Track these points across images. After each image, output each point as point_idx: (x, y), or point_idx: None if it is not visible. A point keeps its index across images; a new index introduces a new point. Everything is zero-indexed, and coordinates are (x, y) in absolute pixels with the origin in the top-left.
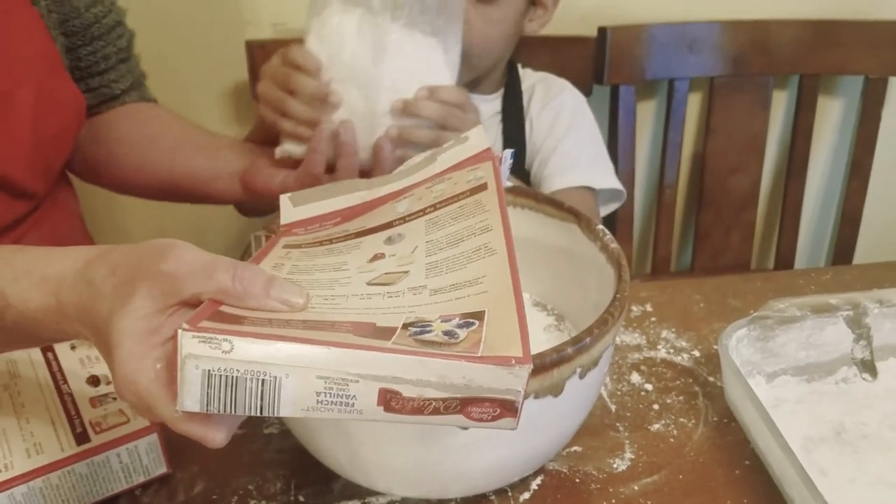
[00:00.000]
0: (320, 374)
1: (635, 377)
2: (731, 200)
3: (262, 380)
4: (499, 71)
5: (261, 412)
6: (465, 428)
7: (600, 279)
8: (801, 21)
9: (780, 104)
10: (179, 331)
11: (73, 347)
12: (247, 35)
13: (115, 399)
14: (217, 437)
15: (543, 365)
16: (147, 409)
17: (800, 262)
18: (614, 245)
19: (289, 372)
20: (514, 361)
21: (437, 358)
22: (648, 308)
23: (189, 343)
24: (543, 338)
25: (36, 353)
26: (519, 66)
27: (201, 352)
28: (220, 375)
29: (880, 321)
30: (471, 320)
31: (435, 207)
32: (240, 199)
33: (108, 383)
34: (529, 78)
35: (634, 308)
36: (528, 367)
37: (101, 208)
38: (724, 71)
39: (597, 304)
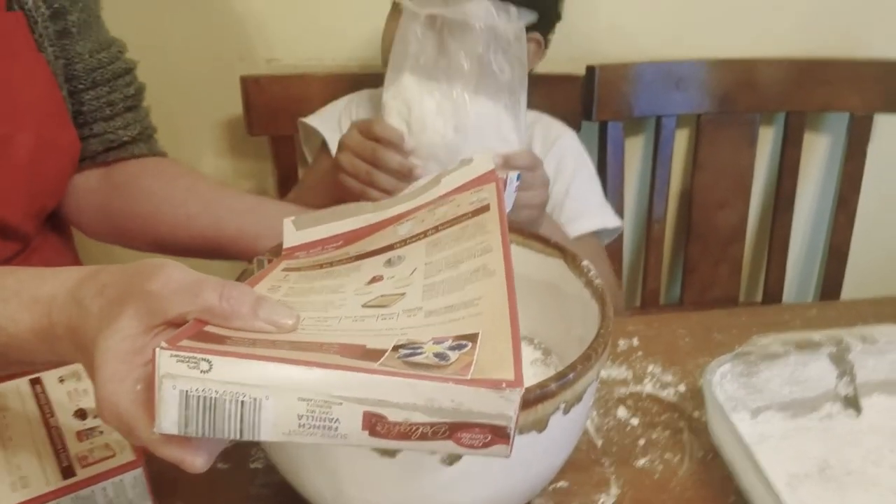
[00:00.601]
0: (302, 396)
1: (621, 411)
2: (719, 235)
3: (242, 401)
4: None
5: (240, 436)
6: (452, 461)
7: (585, 314)
8: (787, 60)
9: (767, 140)
10: (157, 349)
11: (61, 380)
12: (241, 71)
13: (101, 433)
14: (196, 461)
15: (527, 400)
16: (127, 431)
17: (788, 295)
18: (598, 281)
19: (269, 393)
20: (504, 385)
21: (426, 380)
22: (635, 342)
23: (167, 362)
24: (530, 372)
25: (24, 385)
26: None
27: (179, 371)
28: (198, 396)
29: (863, 358)
30: (463, 342)
31: (437, 229)
32: None
33: (94, 417)
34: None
35: (621, 342)
36: (520, 391)
37: (95, 244)
38: (710, 108)
39: (582, 338)
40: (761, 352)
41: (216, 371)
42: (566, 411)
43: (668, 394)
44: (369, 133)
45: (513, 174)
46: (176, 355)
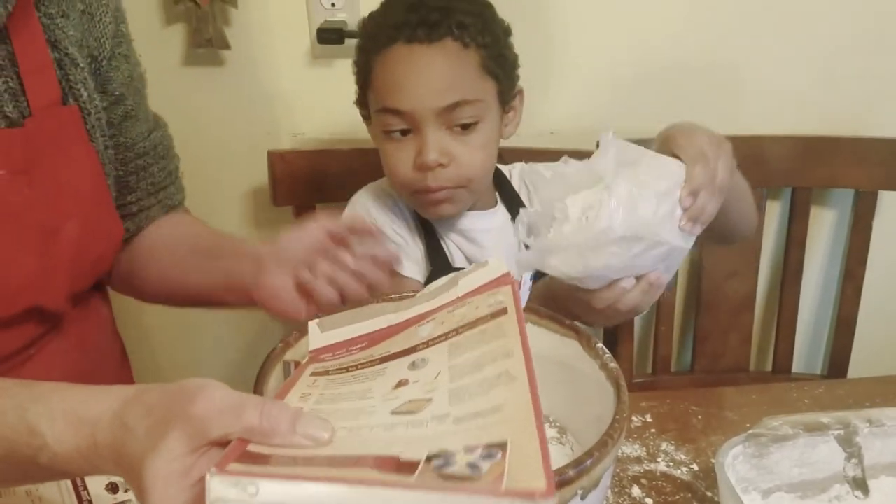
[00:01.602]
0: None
1: (636, 491)
2: (728, 304)
3: None
4: (490, 181)
5: None
6: None
7: (601, 394)
8: (793, 137)
9: (774, 214)
10: (208, 475)
11: None
12: (268, 145)
13: None
14: None
15: None
16: None
17: (797, 365)
18: (613, 364)
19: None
20: (537, 496)
21: (462, 493)
22: (648, 419)
23: (217, 487)
24: None
25: None
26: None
27: (229, 496)
28: None
29: (870, 440)
30: (493, 451)
31: (457, 332)
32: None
33: (126, 490)
34: (507, 171)
35: (635, 418)
36: (553, 501)
37: (132, 307)
38: None
39: (599, 416)
40: (772, 434)
41: (263, 494)
42: (583, 497)
43: (681, 472)
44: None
45: (525, 276)
46: (225, 480)
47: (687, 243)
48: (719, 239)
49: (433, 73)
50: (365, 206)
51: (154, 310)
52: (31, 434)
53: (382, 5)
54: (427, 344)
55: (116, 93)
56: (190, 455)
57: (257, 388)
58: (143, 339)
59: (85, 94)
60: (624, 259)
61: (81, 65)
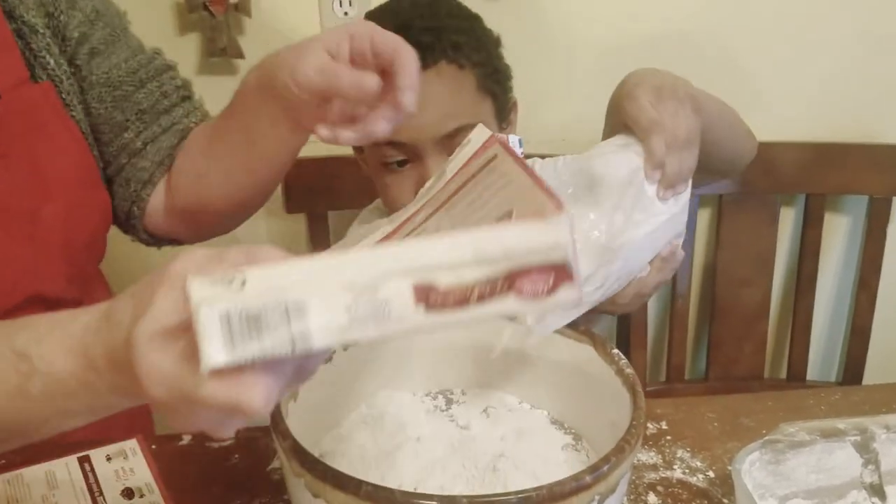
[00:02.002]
0: (344, 284)
1: (652, 498)
2: (742, 312)
3: (286, 307)
4: None
5: (293, 347)
6: (520, 320)
7: (616, 400)
8: (806, 143)
9: (788, 221)
10: (187, 282)
11: (108, 458)
12: None
13: None
14: (254, 397)
15: (562, 493)
16: (180, 396)
17: (811, 373)
18: (629, 370)
19: (310, 290)
20: (551, 208)
21: (468, 233)
22: (664, 426)
23: (199, 288)
24: (562, 457)
25: (73, 463)
26: None
27: (214, 293)
28: (240, 314)
29: (888, 446)
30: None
31: (449, 198)
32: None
33: (141, 496)
34: None
35: (650, 425)
36: (567, 213)
37: None
38: (731, 189)
39: (614, 422)
40: (788, 440)
41: (252, 283)
42: (601, 503)
43: (697, 479)
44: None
45: (514, 138)
46: (207, 279)
47: (674, 207)
48: (719, 172)
49: (431, 100)
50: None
51: None
52: (18, 359)
53: None
54: (426, 220)
55: (76, 34)
56: (176, 313)
57: None
58: None
59: (52, 62)
60: (623, 268)
61: (41, 30)
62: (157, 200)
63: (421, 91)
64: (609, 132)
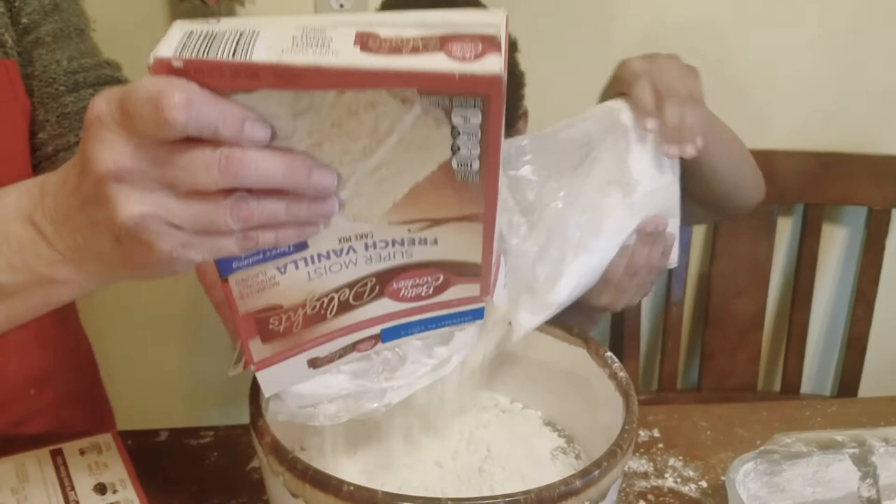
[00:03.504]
0: (298, 25)
1: None
2: (737, 322)
3: (241, 32)
4: None
5: (233, 55)
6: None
7: (609, 403)
8: (806, 153)
9: (785, 231)
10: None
11: (81, 452)
12: None
13: None
14: (175, 97)
15: (552, 497)
16: (118, 107)
17: (806, 386)
18: (623, 374)
19: (268, 25)
20: None
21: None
22: (656, 433)
23: (181, 23)
24: (552, 462)
25: (45, 456)
26: None
27: (192, 25)
28: (202, 33)
29: (886, 460)
30: None
31: None
32: None
33: (114, 492)
34: None
35: (642, 433)
36: (504, 11)
37: (98, 300)
38: None
39: (606, 426)
40: (784, 451)
41: (224, 22)
42: None
43: (689, 489)
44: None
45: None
46: (185, 21)
47: (667, 173)
48: (719, 207)
49: None
50: None
51: (123, 303)
52: None
53: None
54: None
55: (25, 20)
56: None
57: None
58: (118, 340)
59: (10, 41)
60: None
61: (1, 9)
62: None
63: None
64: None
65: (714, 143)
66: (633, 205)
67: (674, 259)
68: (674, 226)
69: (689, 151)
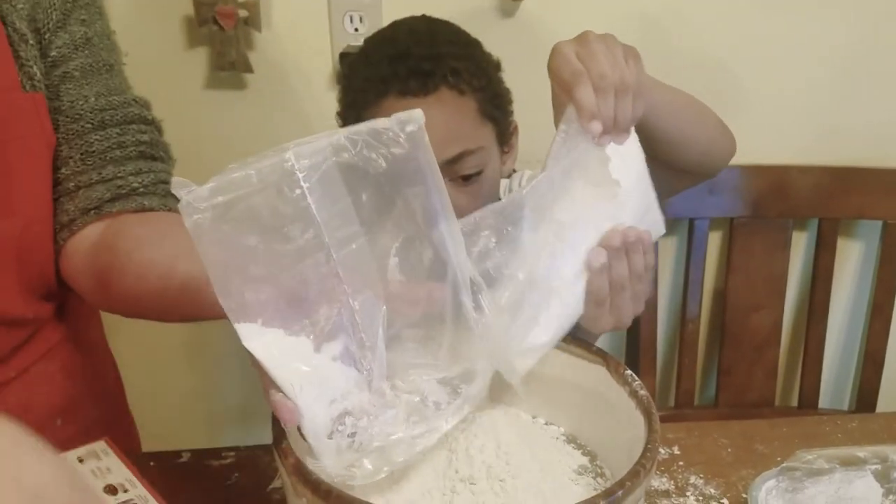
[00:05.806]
0: None
1: None
2: (753, 338)
3: None
4: None
5: None
6: None
7: (630, 422)
8: (820, 167)
9: (800, 246)
10: None
11: (80, 460)
12: None
13: None
14: None
15: None
16: None
17: (823, 401)
18: (643, 392)
19: None
20: None
21: None
22: (676, 451)
23: None
24: (574, 482)
25: None
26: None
27: None
28: None
29: None
30: None
31: None
32: None
33: (125, 491)
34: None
35: (662, 450)
36: None
37: (126, 327)
38: (743, 212)
39: (628, 443)
40: (806, 468)
41: None
42: None
43: None
44: None
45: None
46: None
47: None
48: (691, 171)
49: (432, 127)
50: None
51: (153, 330)
52: None
53: (362, 54)
54: None
55: (54, 53)
56: None
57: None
58: (141, 363)
59: (38, 74)
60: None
61: (31, 41)
62: (76, 249)
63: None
64: (555, 107)
65: (667, 113)
66: (620, 204)
67: (659, 228)
68: (652, 202)
69: (620, 139)
